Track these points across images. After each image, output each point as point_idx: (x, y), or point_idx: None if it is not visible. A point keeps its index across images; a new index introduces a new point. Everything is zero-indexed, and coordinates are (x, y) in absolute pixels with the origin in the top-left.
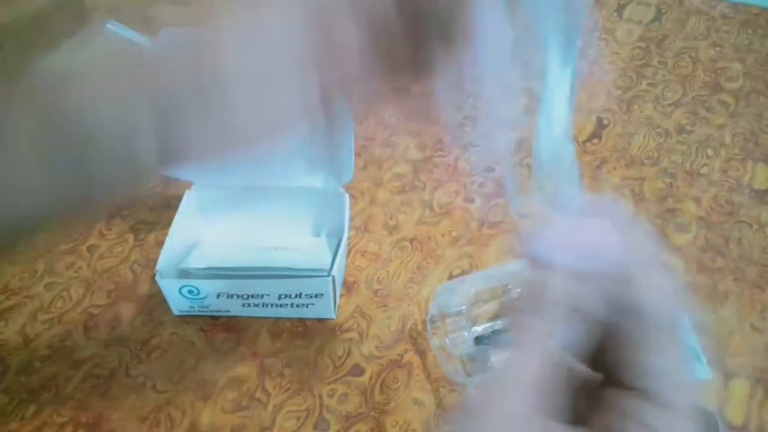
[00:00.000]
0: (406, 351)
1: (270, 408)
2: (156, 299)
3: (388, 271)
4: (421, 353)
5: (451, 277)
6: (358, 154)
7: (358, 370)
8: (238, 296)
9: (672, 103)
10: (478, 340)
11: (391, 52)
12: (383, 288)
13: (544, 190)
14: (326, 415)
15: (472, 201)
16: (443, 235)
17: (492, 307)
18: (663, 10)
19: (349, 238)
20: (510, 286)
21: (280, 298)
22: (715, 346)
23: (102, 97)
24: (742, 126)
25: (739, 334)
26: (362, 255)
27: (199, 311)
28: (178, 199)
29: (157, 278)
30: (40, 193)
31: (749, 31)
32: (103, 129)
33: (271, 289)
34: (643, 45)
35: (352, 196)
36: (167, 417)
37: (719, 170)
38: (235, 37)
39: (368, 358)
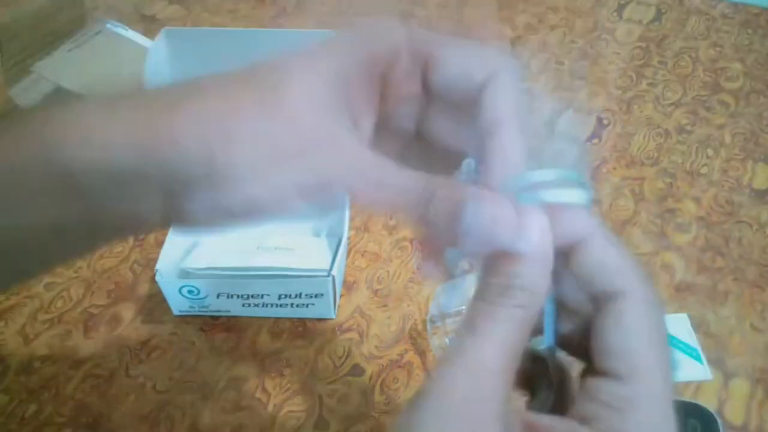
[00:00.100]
0: (406, 351)
1: (270, 408)
2: (156, 299)
3: (388, 271)
4: (421, 353)
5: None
6: None
7: (358, 370)
8: (238, 296)
9: (672, 103)
10: None
11: (404, 157)
12: (383, 288)
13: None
14: (326, 415)
15: None
16: None
17: None
18: (663, 10)
19: (349, 238)
20: None
21: (280, 298)
22: (715, 346)
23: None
24: (742, 126)
25: (739, 334)
26: (362, 255)
27: (199, 311)
28: None
29: (157, 278)
30: (48, 254)
31: (749, 31)
32: (107, 193)
33: (271, 289)
34: (643, 45)
35: None
36: (167, 417)
37: (719, 170)
38: (252, 120)
39: (368, 358)
